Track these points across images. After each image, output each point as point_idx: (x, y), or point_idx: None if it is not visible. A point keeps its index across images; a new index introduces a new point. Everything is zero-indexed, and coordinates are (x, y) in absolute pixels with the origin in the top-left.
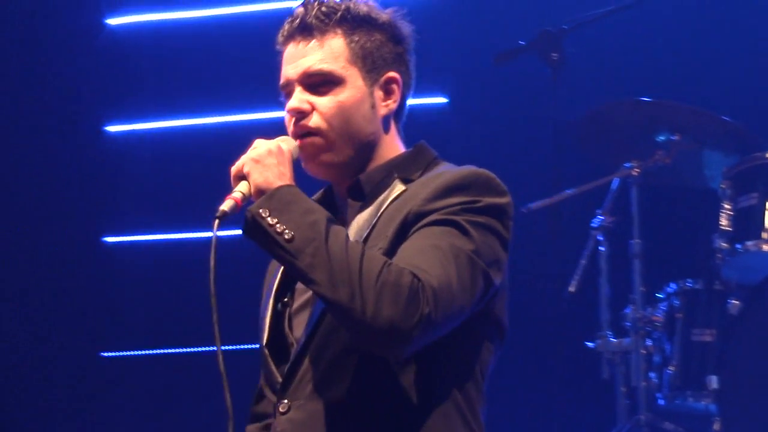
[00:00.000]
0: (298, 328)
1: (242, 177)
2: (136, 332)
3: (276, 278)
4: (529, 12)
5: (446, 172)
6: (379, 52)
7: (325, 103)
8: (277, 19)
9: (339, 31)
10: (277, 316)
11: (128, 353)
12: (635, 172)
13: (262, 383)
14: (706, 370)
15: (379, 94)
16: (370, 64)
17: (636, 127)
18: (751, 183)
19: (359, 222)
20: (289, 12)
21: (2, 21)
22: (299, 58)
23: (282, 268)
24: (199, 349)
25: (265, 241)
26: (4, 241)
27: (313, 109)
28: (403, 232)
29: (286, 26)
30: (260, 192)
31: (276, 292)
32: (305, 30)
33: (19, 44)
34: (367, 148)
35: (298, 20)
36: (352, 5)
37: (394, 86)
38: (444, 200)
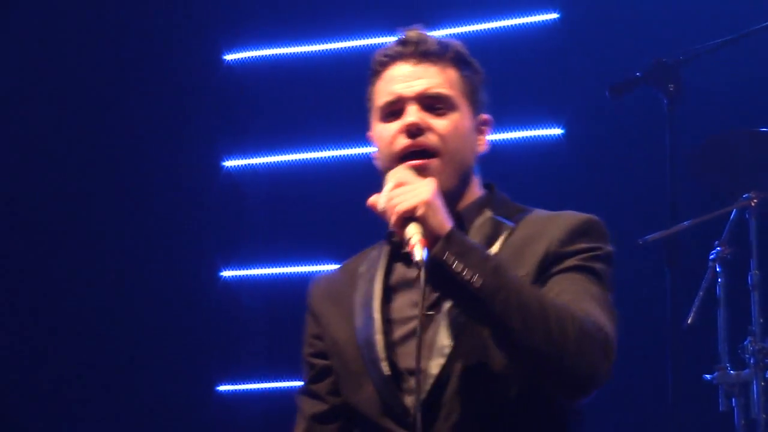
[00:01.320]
0: (408, 358)
1: (410, 219)
2: (254, 366)
3: (367, 306)
4: (645, 42)
5: (564, 214)
6: (480, 93)
7: (443, 124)
8: None
9: (453, 63)
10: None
11: (245, 387)
12: (753, 202)
13: (372, 414)
14: None
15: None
16: (474, 102)
17: (754, 158)
18: None
19: None
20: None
21: (124, 58)
22: (416, 78)
23: (371, 297)
24: None
25: (451, 287)
26: (126, 275)
27: (430, 128)
28: (542, 270)
29: (397, 47)
30: (434, 236)
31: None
32: (423, 54)
33: (140, 81)
34: (466, 180)
35: (414, 45)
36: (459, 44)
37: (486, 128)
38: (576, 244)
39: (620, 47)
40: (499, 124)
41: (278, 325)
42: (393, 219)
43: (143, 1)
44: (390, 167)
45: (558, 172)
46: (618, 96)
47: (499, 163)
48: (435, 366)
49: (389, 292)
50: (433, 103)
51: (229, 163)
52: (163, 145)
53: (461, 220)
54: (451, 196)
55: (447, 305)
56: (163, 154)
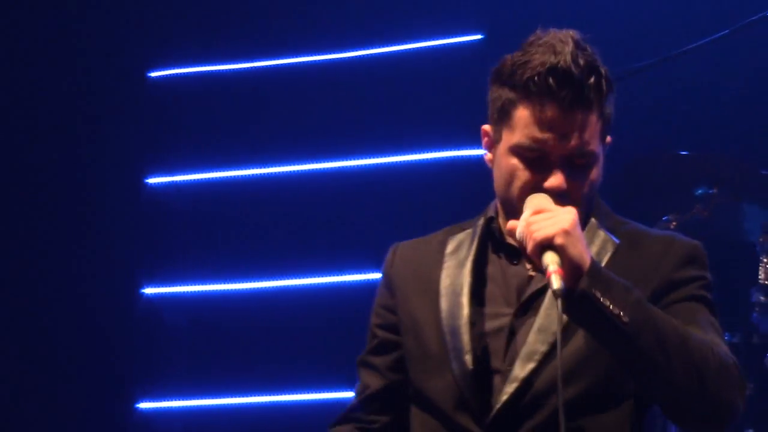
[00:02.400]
0: (492, 356)
1: (548, 247)
2: (175, 383)
3: (456, 292)
4: None
5: (671, 240)
6: (611, 117)
7: (582, 182)
8: (317, 71)
9: (599, 105)
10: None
11: (166, 404)
12: (673, 225)
13: (447, 405)
14: (744, 424)
15: None
16: (606, 133)
17: (674, 181)
18: None
19: None
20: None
21: (47, 73)
22: (566, 132)
23: (462, 284)
24: (240, 399)
25: (597, 320)
26: (43, 293)
27: (572, 189)
28: (656, 297)
29: (552, 82)
30: (572, 266)
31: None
32: (578, 102)
33: (63, 96)
34: (588, 209)
35: (573, 87)
36: (606, 71)
37: (607, 146)
38: (688, 272)
39: None
40: (419, 146)
41: (200, 343)
42: (530, 246)
43: (67, 18)
44: (513, 205)
45: (485, 192)
46: None
47: (426, 182)
48: (523, 370)
49: (481, 281)
50: (578, 162)
51: (152, 180)
52: (86, 161)
53: None
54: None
55: (543, 309)
56: (86, 169)
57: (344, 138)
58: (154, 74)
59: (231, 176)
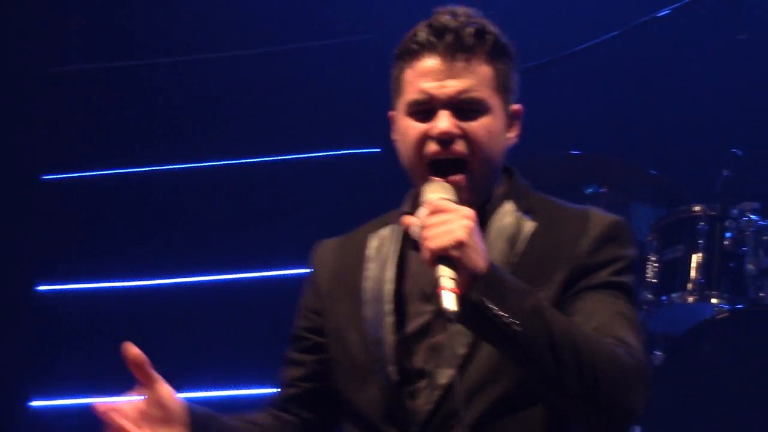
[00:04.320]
0: (417, 359)
1: (444, 258)
2: (68, 381)
3: (378, 298)
4: None
5: (590, 215)
6: (512, 82)
7: (475, 129)
8: (219, 68)
9: (486, 56)
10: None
11: (59, 402)
12: None
13: (374, 417)
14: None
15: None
16: (506, 95)
17: (564, 180)
18: (676, 236)
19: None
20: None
21: None
22: (449, 77)
23: (382, 288)
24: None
25: (488, 329)
26: None
27: (461, 135)
28: (570, 283)
29: (430, 36)
30: (469, 276)
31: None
32: (457, 48)
33: None
34: (494, 178)
35: (450, 35)
36: (496, 30)
37: (517, 119)
38: (603, 253)
39: None
40: (323, 143)
41: (94, 340)
42: (425, 254)
43: None
44: (415, 169)
45: (375, 189)
46: None
47: (319, 178)
48: (444, 376)
49: (401, 280)
50: (465, 107)
51: (48, 177)
52: None
53: (484, 215)
54: (478, 194)
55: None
56: None
57: (248, 136)
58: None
59: (127, 172)
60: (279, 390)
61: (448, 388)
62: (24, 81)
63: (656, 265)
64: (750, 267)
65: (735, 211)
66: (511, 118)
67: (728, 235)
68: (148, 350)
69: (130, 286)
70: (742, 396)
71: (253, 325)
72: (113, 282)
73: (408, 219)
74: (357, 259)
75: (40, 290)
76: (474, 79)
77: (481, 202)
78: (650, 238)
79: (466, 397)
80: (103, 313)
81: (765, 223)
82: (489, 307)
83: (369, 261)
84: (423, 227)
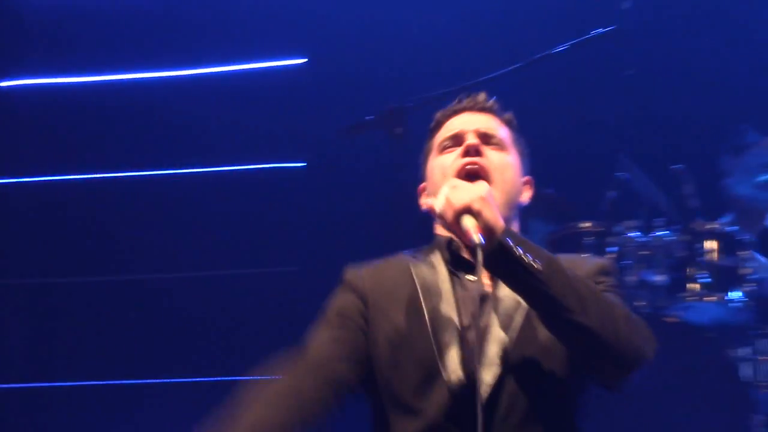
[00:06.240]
0: (452, 363)
1: (466, 212)
2: None
3: (445, 315)
4: (383, 90)
5: (587, 258)
6: (525, 161)
7: (495, 154)
8: (153, 88)
9: (504, 121)
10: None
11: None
12: None
13: (438, 416)
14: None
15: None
16: (521, 157)
17: None
18: (567, 249)
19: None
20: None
21: None
22: (477, 123)
23: (447, 308)
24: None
25: (515, 269)
26: None
27: (486, 154)
28: None
29: (462, 102)
30: (489, 228)
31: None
32: (485, 110)
33: None
34: (511, 218)
35: (478, 102)
36: (510, 114)
37: (529, 187)
38: (601, 279)
39: (362, 93)
40: (251, 159)
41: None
42: (450, 213)
43: None
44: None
45: (300, 201)
46: (350, 136)
47: (248, 191)
48: (489, 375)
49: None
50: (488, 140)
51: None
52: None
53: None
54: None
55: (495, 318)
56: None
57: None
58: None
59: (55, 181)
60: (308, 354)
61: (492, 392)
62: None
63: None
64: (631, 278)
65: (618, 228)
66: (524, 183)
67: (612, 249)
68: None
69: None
70: (622, 400)
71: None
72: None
73: (429, 200)
74: (405, 278)
75: None
76: (498, 127)
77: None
78: None
79: (511, 391)
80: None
81: (644, 240)
82: (512, 248)
83: (418, 279)
84: (446, 197)
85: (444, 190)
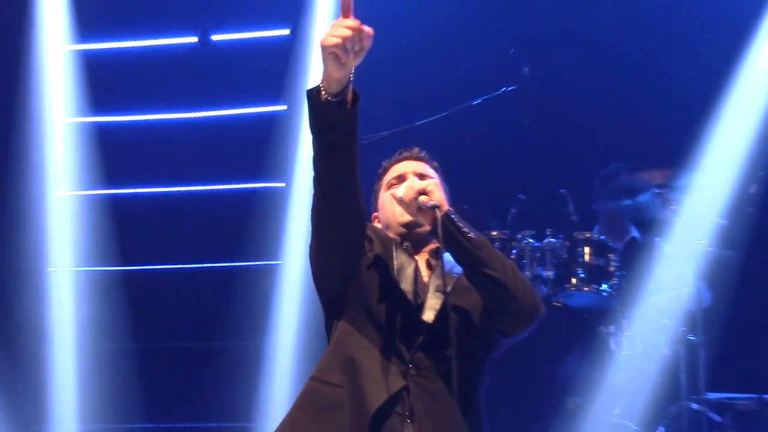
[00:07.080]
0: (409, 294)
1: (422, 194)
2: None
3: (400, 284)
4: None
5: None
6: (447, 193)
7: (433, 180)
8: None
9: (433, 167)
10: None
11: None
12: None
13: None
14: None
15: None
16: (446, 195)
17: None
18: None
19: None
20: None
21: None
22: (415, 167)
23: (415, 280)
24: None
25: (455, 234)
26: None
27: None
28: None
29: (402, 153)
30: (440, 204)
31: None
32: (419, 158)
33: None
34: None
35: (414, 152)
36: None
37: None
38: None
39: None
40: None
41: None
42: (410, 195)
43: None
44: (400, 222)
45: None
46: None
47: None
48: (431, 311)
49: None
50: (424, 178)
51: None
52: None
53: (439, 254)
54: (428, 238)
55: (436, 281)
56: None
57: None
58: None
59: None
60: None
61: (426, 331)
62: None
63: None
64: (527, 273)
65: (519, 236)
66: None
67: (514, 251)
68: None
69: None
70: (517, 362)
71: None
72: None
73: (392, 191)
74: (386, 252)
75: None
76: (427, 168)
77: (429, 242)
78: None
79: (443, 333)
80: None
81: (538, 245)
82: (456, 219)
83: (393, 260)
84: (407, 186)
85: (406, 183)
